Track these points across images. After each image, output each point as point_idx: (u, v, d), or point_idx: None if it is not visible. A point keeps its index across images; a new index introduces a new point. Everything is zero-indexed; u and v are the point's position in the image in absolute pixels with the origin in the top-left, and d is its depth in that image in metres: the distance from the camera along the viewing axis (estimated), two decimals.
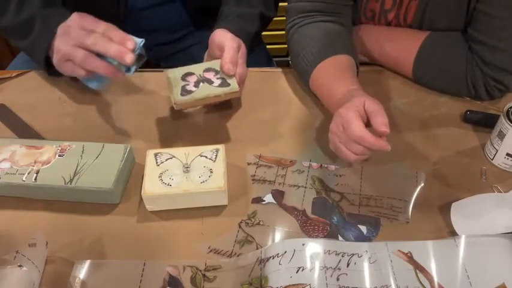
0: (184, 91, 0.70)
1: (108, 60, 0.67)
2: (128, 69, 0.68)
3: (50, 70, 0.75)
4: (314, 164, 0.69)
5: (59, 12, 0.74)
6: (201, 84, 0.71)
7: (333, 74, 0.74)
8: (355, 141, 0.60)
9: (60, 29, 0.70)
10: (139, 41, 0.68)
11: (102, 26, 0.67)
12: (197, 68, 0.74)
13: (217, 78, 0.72)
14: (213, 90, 0.70)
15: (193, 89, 0.70)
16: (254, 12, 0.85)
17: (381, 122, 0.58)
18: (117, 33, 0.67)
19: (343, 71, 0.74)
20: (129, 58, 0.65)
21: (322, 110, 0.78)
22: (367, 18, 0.86)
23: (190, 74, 0.73)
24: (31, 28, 0.74)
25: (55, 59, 0.71)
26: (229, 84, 0.72)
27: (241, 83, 0.75)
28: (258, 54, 1.01)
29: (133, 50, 0.66)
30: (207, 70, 0.73)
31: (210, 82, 0.72)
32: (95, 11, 0.80)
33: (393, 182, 0.67)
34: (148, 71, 0.85)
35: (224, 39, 0.74)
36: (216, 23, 0.83)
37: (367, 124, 0.60)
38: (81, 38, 0.67)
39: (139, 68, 0.70)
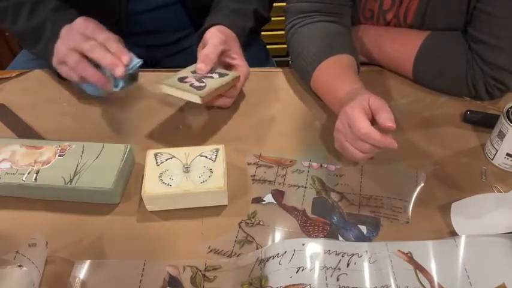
0: (196, 88, 0.70)
1: (102, 71, 0.68)
2: (116, 84, 0.68)
3: (61, 74, 0.76)
4: (314, 164, 0.69)
5: (67, 16, 0.76)
6: (205, 79, 0.72)
7: (335, 73, 0.74)
8: (362, 139, 0.60)
9: (63, 31, 0.71)
10: (137, 61, 0.68)
11: (102, 35, 0.68)
12: (186, 72, 0.74)
13: (213, 73, 0.73)
14: (222, 80, 0.72)
15: (202, 84, 0.70)
16: (249, 8, 0.86)
17: (386, 117, 0.58)
18: (115, 45, 0.67)
19: (345, 71, 0.74)
20: (120, 71, 0.65)
21: (322, 110, 0.78)
22: (365, 18, 0.86)
23: (185, 77, 0.73)
24: (42, 33, 0.75)
25: (54, 60, 0.72)
26: (227, 74, 0.74)
27: (243, 77, 0.77)
28: (256, 51, 1.02)
29: (126, 65, 0.66)
30: (195, 72, 0.74)
31: (210, 77, 0.72)
32: (96, 14, 0.81)
33: (393, 182, 0.67)
34: (148, 71, 0.85)
35: (209, 39, 0.75)
36: (211, 14, 0.84)
37: (372, 122, 0.60)
38: (79, 42, 0.67)
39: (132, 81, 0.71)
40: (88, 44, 0.67)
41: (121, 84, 0.69)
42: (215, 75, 0.73)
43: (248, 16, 0.86)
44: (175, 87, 0.70)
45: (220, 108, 0.78)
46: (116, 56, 0.66)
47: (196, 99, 0.68)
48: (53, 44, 0.72)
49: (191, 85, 0.70)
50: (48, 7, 0.77)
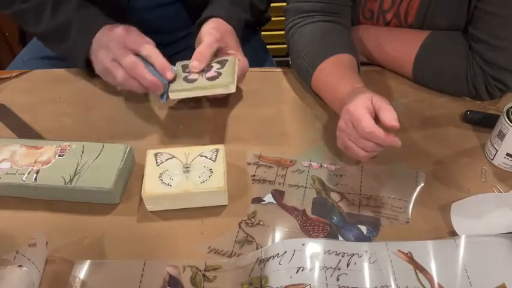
0: (213, 78, 0.70)
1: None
2: (162, 96, 0.71)
3: (90, 72, 0.78)
4: (314, 164, 0.69)
5: (94, 15, 0.77)
6: (212, 69, 0.72)
7: (336, 73, 0.74)
8: (366, 138, 0.60)
9: (103, 41, 0.72)
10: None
11: (145, 49, 0.70)
12: (181, 69, 0.74)
13: (213, 63, 0.73)
14: (229, 64, 0.72)
15: (215, 74, 0.71)
16: (245, 0, 0.86)
17: (390, 117, 0.58)
18: (158, 59, 0.70)
19: (346, 70, 0.74)
20: (170, 75, 0.69)
21: (322, 110, 0.78)
22: (365, 18, 0.86)
23: (187, 76, 0.72)
24: (68, 32, 0.76)
25: (97, 69, 0.75)
26: (226, 60, 0.74)
27: (241, 74, 0.76)
28: (253, 47, 1.02)
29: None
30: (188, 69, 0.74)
31: (212, 66, 0.72)
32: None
33: (393, 182, 0.67)
34: None
35: (203, 36, 0.75)
36: (209, 5, 0.84)
37: (375, 121, 0.60)
38: (120, 57, 0.69)
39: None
40: (128, 62, 0.69)
41: (165, 95, 0.71)
42: (215, 65, 0.72)
43: (244, 7, 0.86)
44: (194, 89, 0.69)
45: (220, 106, 0.79)
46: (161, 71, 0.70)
47: (230, 89, 0.68)
48: (84, 44, 0.73)
49: (208, 79, 0.69)
50: (71, 5, 0.77)
